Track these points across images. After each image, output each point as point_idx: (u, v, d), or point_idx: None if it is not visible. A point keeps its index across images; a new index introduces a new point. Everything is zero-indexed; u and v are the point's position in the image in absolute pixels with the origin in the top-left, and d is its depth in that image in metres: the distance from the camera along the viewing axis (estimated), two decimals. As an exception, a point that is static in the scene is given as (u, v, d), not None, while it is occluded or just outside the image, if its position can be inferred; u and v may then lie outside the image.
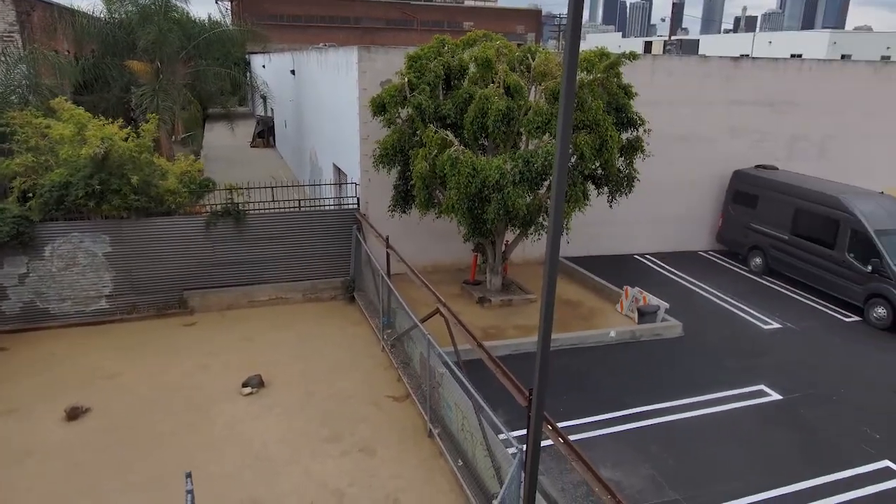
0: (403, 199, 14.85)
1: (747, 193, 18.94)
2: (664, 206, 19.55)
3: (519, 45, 43.50)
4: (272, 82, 40.45)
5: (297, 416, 11.13)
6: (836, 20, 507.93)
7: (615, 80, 13.67)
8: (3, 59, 19.76)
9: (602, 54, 14.07)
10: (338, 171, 20.36)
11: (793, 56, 68.67)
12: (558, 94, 12.14)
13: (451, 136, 12.51)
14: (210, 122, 47.54)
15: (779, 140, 20.41)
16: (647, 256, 19.86)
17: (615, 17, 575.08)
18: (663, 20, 72.46)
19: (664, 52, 25.16)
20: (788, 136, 20.50)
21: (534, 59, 13.42)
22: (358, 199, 17.25)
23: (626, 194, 14.17)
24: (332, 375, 12.74)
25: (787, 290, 17.31)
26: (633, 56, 13.60)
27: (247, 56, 55.64)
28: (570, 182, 12.60)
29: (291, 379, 12.54)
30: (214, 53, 27.34)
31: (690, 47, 23.84)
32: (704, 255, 20.44)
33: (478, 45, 14.58)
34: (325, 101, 21.47)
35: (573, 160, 12.70)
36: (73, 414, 11.01)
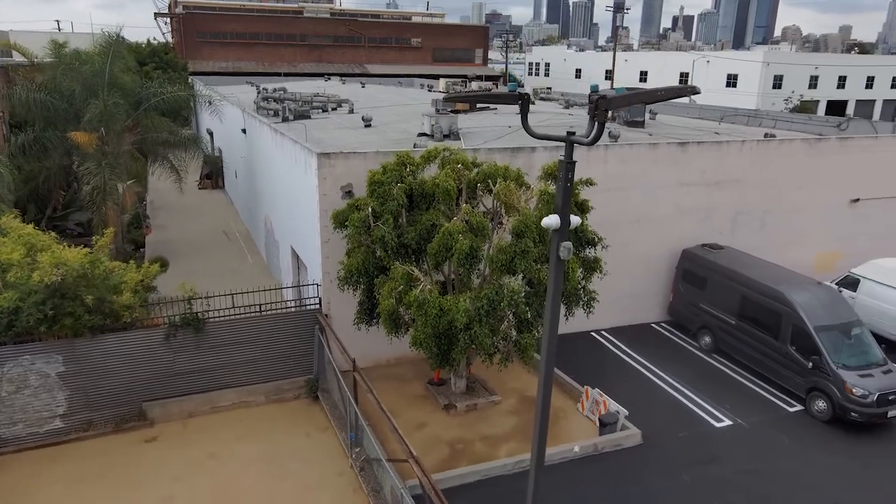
0: (369, 314, 14.93)
1: (696, 274, 19.79)
2: (619, 284, 20.17)
3: (464, 78, 43.29)
4: (223, 125, 39.57)
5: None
6: (768, 20, 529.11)
7: (571, 200, 14.07)
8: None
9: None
10: (296, 257, 20.21)
11: (729, 76, 71.63)
12: (521, 231, 12.51)
13: (416, 272, 12.68)
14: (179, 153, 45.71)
15: (723, 216, 21.39)
16: (603, 333, 20.49)
17: (559, 16, 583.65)
18: (608, 9, 74.49)
19: (612, 114, 25.82)
20: (732, 212, 21.50)
21: (495, 184, 13.70)
22: (319, 300, 17.22)
23: (585, 311, 14.64)
24: (301, 499, 12.71)
25: (735, 372, 18.21)
26: (589, 183, 14.06)
27: (191, 80, 54.22)
28: (532, 314, 12.97)
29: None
30: (161, 110, 26.63)
31: (639, 108, 24.49)
32: (657, 328, 21.24)
33: (437, 160, 14.78)
34: (282, 181, 21.25)
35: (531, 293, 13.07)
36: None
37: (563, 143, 7.23)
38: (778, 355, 16.94)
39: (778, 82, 72.46)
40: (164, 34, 78.17)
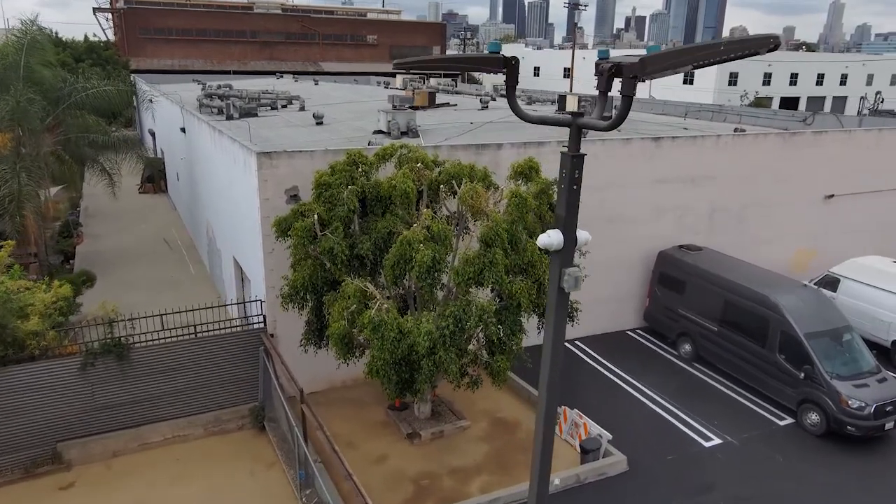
0: (318, 335, 13.08)
1: (674, 278, 18.53)
2: (593, 288, 18.68)
3: (422, 76, 41.04)
4: (160, 122, 36.94)
5: None
6: (716, 20, 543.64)
7: (547, 202, 12.55)
8: None
9: (530, 167, 12.93)
10: (240, 269, 18.16)
11: (686, 74, 71.89)
12: (491, 240, 10.88)
13: (371, 288, 10.91)
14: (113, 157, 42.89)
15: (700, 214, 20.24)
16: (577, 342, 19.07)
17: (515, 16, 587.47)
18: (565, 5, 73.74)
19: (579, 107, 24.59)
20: (709, 210, 20.36)
21: (459, 185, 12.04)
22: (264, 318, 15.27)
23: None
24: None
25: (719, 383, 16.98)
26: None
27: (132, 78, 51.21)
28: (505, 333, 11.35)
29: None
30: (92, 107, 24.11)
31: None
32: (633, 335, 19.93)
33: (394, 159, 13.05)
34: (222, 184, 19.16)
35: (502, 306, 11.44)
36: None
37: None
38: (765, 364, 15.76)
39: (733, 79, 73.16)
40: (104, 30, 74.06)
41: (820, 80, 78.17)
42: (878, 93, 60.30)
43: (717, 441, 14.45)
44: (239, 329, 15.09)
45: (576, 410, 14.21)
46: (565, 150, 5.88)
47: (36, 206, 20.97)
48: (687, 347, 18.15)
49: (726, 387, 16.79)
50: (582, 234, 5.81)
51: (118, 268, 24.76)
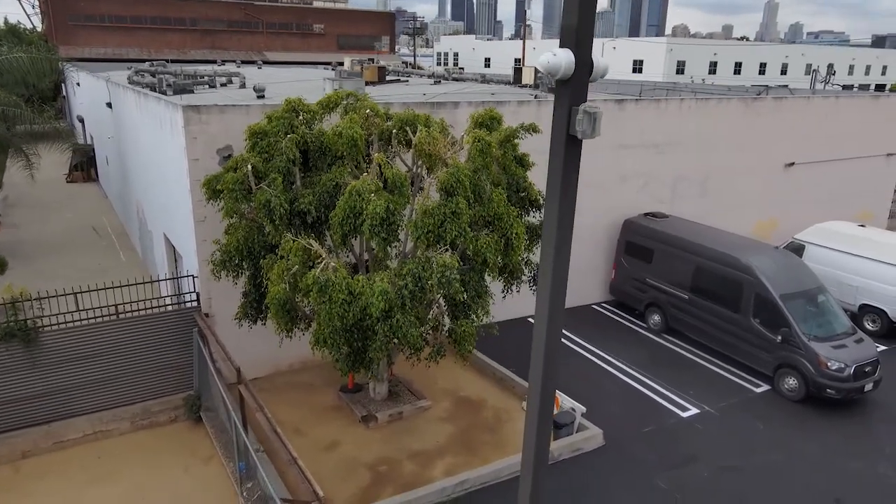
0: (256, 308, 11.54)
1: (641, 246, 17.66)
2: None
3: (370, 59, 39.59)
4: (88, 105, 34.34)
5: None
6: (659, 19, 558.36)
7: (511, 153, 11.36)
8: None
9: (492, 118, 11.71)
10: (171, 246, 16.36)
11: (635, 62, 72.40)
12: (452, 187, 9.59)
13: (315, 246, 9.46)
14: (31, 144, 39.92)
15: (663, 182, 19.47)
16: (542, 318, 17.99)
17: (463, 14, 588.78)
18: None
19: (535, 81, 23.61)
20: (672, 177, 19.62)
21: (414, 133, 10.69)
22: (198, 295, 13.61)
23: (531, 289, 11.91)
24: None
25: (692, 353, 16.17)
26: (533, 129, 11.37)
27: (61, 66, 47.93)
28: (469, 295, 10.08)
29: None
30: (4, 81, 21.75)
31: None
32: (599, 309, 19.00)
33: (339, 109, 11.62)
34: (150, 155, 17.28)
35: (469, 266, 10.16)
36: None
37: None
38: (739, 330, 15.00)
39: (681, 67, 74.12)
40: (29, 17, 69.55)
41: (762, 68, 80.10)
42: (830, 65, 61.61)
43: (694, 411, 13.57)
44: (169, 308, 13.38)
45: (546, 384, 13.08)
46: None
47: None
48: (656, 318, 17.31)
49: (699, 356, 15.99)
50: (601, 62, 4.34)
51: (38, 258, 22.47)
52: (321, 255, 9.36)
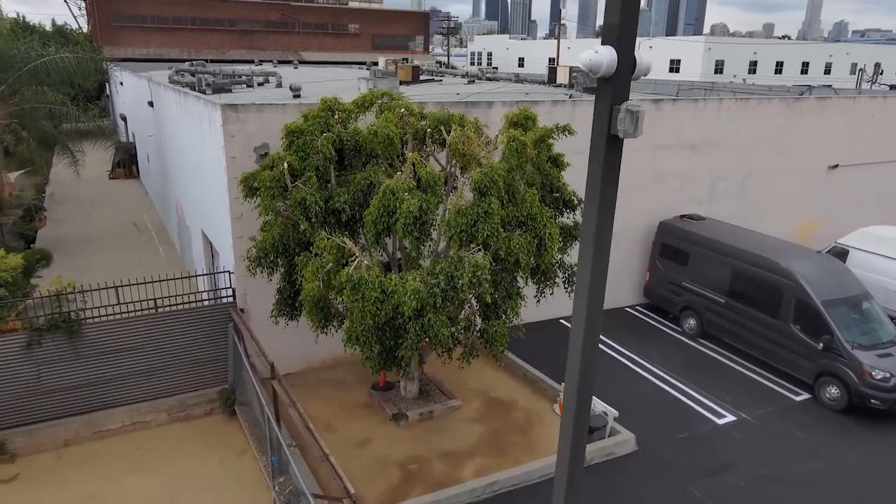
0: (290, 305, 11.68)
1: (677, 249, 17.35)
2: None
3: (405, 59, 39.82)
4: (131, 104, 35.24)
5: None
6: (697, 17, 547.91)
7: (546, 153, 11.26)
8: None
9: (526, 117, 11.63)
10: (209, 243, 16.68)
11: (672, 62, 71.18)
12: (486, 187, 9.56)
13: (349, 244, 9.53)
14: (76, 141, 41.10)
15: (701, 183, 19.09)
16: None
17: (497, 13, 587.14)
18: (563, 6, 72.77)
19: (570, 81, 23.37)
20: (710, 178, 19.23)
21: (448, 133, 10.69)
22: (234, 291, 13.84)
23: (567, 291, 11.81)
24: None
25: (728, 358, 15.82)
26: (568, 130, 11.26)
27: (105, 65, 49.40)
28: (500, 296, 10.03)
29: None
30: (52, 81, 22.46)
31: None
32: (633, 312, 18.74)
33: (374, 108, 11.68)
34: (189, 153, 17.65)
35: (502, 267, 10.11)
36: None
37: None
38: (779, 336, 14.61)
39: (719, 67, 72.64)
40: (76, 18, 71.82)
41: (805, 68, 77.96)
42: (877, 64, 59.52)
43: (730, 418, 13.27)
44: (205, 303, 13.64)
45: (577, 387, 12.94)
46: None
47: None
48: (692, 322, 16.98)
49: (736, 362, 15.64)
50: (644, 59, 4.24)
51: (81, 252, 23.15)
52: (355, 254, 9.42)
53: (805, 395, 14.18)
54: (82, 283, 14.84)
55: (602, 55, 4.15)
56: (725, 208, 19.40)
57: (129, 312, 12.94)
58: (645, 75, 4.43)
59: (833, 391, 13.61)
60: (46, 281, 17.98)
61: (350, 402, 13.61)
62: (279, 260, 10.95)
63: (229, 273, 13.81)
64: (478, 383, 14.28)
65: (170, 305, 13.39)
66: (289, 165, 10.19)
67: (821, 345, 13.61)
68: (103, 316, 12.78)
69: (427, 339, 9.43)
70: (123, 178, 36.66)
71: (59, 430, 12.69)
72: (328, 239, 9.58)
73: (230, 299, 13.87)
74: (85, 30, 69.87)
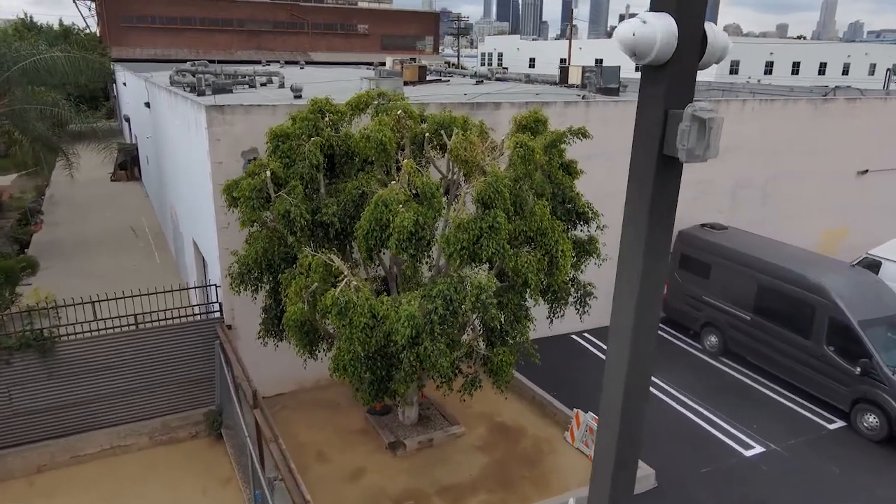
0: (277, 325, 10.70)
1: (697, 260, 16.23)
2: (602, 274, 16.49)
3: (412, 59, 38.77)
4: (133, 105, 34.53)
5: None
6: (710, 18, 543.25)
7: (557, 159, 10.21)
8: None
9: (536, 120, 10.60)
10: (199, 253, 15.76)
11: (688, 61, 69.87)
12: (490, 199, 8.52)
13: (337, 262, 8.53)
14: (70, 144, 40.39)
15: (722, 189, 17.94)
16: (585, 335, 16.75)
17: (508, 14, 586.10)
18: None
19: (583, 81, 22.29)
20: (732, 184, 18.08)
21: (449, 137, 9.67)
22: (221, 306, 12.90)
23: (578, 312, 10.74)
24: None
25: (753, 380, 14.68)
26: (583, 134, 10.22)
27: (112, 66, 48.97)
28: (506, 319, 8.99)
29: None
30: (44, 81, 21.70)
31: (612, 73, 20.97)
32: (649, 326, 17.61)
33: (370, 109, 10.69)
34: (180, 157, 16.77)
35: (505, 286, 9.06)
36: None
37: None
38: (810, 358, 13.46)
39: (734, 67, 71.06)
40: (85, 19, 71.65)
41: (822, 68, 76.28)
42: None
43: (758, 449, 12.14)
44: (189, 319, 12.70)
45: (590, 413, 11.89)
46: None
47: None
48: (713, 339, 15.85)
49: (761, 384, 14.50)
50: (718, 34, 2.89)
51: (75, 256, 22.37)
52: (343, 272, 8.42)
53: (839, 423, 13.02)
54: (73, 289, 13.99)
55: (653, 27, 2.68)
56: (747, 216, 18.24)
57: (107, 329, 12.04)
58: (720, 60, 3.28)
59: (872, 420, 12.44)
60: (33, 290, 17.20)
61: (344, 427, 12.62)
62: (264, 276, 9.97)
63: (216, 287, 12.87)
64: (482, 406, 13.23)
65: (152, 321, 12.49)
66: (272, 173, 9.20)
67: (858, 369, 12.45)
68: (79, 333, 11.90)
69: (423, 369, 8.41)
70: (125, 181, 35.96)
71: (32, 454, 11.83)
72: (313, 256, 8.59)
73: (217, 315, 12.94)
74: (95, 31, 69.64)
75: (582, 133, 10.36)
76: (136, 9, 69.65)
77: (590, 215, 10.54)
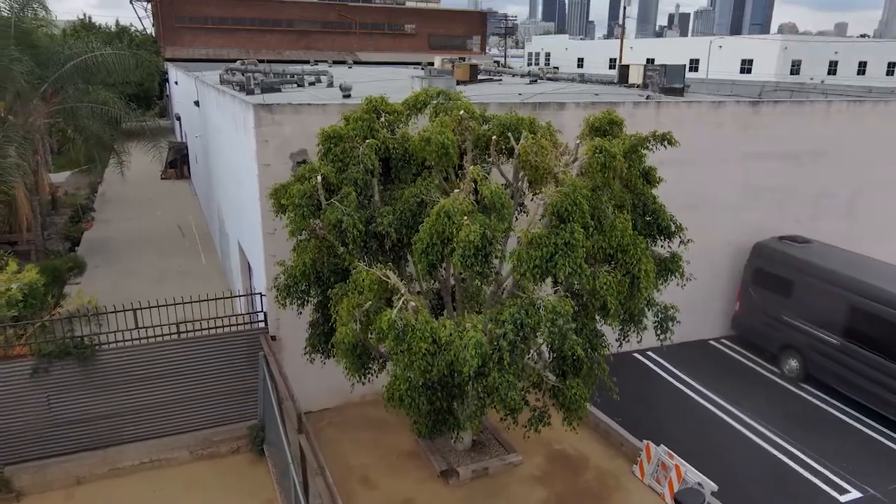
0: (325, 341, 9.93)
1: (777, 276, 14.83)
2: (668, 288, 15.27)
3: (461, 59, 37.77)
4: (184, 103, 34.66)
5: None
6: (764, 17, 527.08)
7: (637, 166, 9.15)
8: None
9: (611, 122, 9.54)
10: (245, 257, 15.20)
11: (743, 62, 67.04)
12: (567, 211, 7.53)
13: (393, 279, 7.67)
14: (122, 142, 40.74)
15: (802, 199, 16.46)
16: (649, 354, 15.55)
17: (555, 14, 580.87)
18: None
19: (644, 80, 20.99)
20: (813, 194, 16.57)
21: (517, 140, 8.72)
22: (265, 316, 12.25)
23: (659, 338, 9.64)
24: None
25: (841, 411, 13.26)
26: (668, 141, 9.13)
27: (164, 65, 49.76)
28: (584, 347, 7.98)
29: None
30: (101, 79, 21.63)
31: (676, 72, 19.66)
32: (718, 346, 16.29)
33: (428, 109, 9.82)
34: (228, 156, 16.27)
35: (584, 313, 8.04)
36: None
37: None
38: (912, 391, 12.02)
39: (796, 67, 67.94)
40: (141, 20, 73.48)
41: (891, 69, 72.35)
42: None
43: (855, 494, 10.79)
44: (233, 329, 12.09)
45: (662, 447, 10.76)
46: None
47: (26, 182, 18.47)
48: (793, 364, 14.45)
49: (851, 417, 13.07)
50: None
51: (123, 255, 22.30)
52: (399, 290, 7.56)
53: (946, 466, 11.55)
54: (117, 291, 13.56)
55: None
56: (829, 228, 16.68)
57: (149, 338, 11.53)
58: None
59: None
60: (83, 289, 16.96)
61: (392, 449, 11.79)
62: (312, 290, 9.21)
63: (261, 295, 12.23)
64: (542, 433, 12.19)
65: (195, 330, 11.92)
66: (323, 178, 8.42)
67: (973, 407, 10.98)
68: (120, 341, 11.41)
69: (490, 401, 7.49)
70: (175, 179, 36.19)
71: (70, 466, 11.41)
72: (367, 272, 7.75)
73: (262, 324, 12.30)
74: (150, 31, 71.25)
75: (668, 140, 9.25)
76: (189, 9, 70.92)
77: (673, 229, 9.43)
